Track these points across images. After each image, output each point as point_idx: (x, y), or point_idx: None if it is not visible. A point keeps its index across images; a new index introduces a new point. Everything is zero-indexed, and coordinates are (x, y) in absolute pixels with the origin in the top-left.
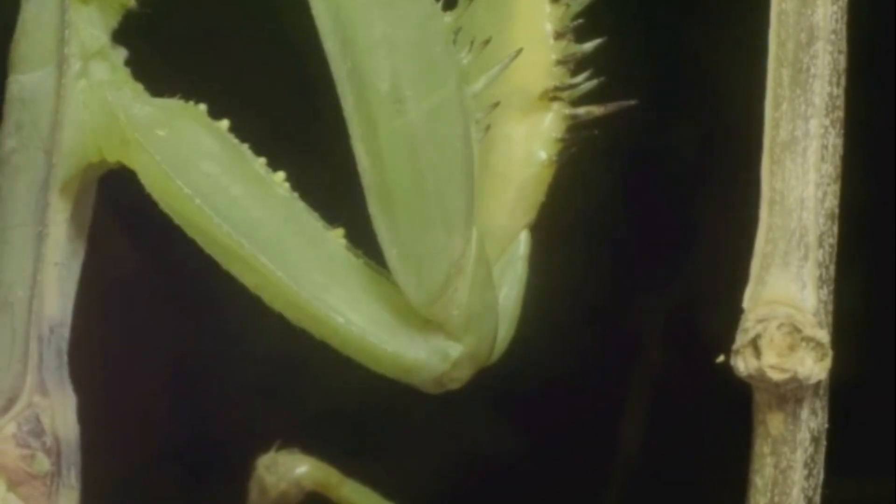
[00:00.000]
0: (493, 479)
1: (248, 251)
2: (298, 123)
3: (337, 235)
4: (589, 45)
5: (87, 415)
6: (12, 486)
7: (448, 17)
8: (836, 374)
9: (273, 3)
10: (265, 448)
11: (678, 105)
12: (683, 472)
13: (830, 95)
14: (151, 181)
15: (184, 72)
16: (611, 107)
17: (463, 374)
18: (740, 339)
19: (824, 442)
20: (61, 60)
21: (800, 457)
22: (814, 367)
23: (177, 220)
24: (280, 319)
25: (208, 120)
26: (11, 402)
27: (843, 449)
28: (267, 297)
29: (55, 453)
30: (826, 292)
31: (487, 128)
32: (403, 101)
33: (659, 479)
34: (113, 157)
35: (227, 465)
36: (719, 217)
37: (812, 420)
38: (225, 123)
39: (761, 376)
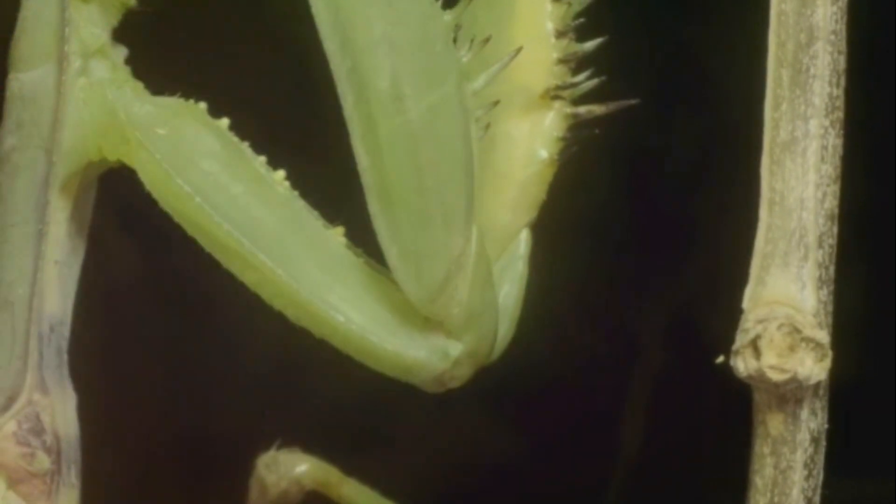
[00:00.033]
0: (493, 479)
1: (247, 249)
2: (298, 122)
3: (337, 234)
4: (590, 45)
5: (87, 413)
6: (12, 484)
7: (447, 16)
8: (835, 374)
9: (273, 1)
10: (266, 447)
11: (678, 105)
12: (683, 472)
13: (830, 96)
14: (151, 179)
15: (184, 70)
16: (612, 106)
17: (463, 373)
18: (740, 340)
19: (824, 442)
20: (61, 58)
21: (799, 457)
22: (813, 367)
23: (177, 219)
24: (280, 318)
25: (208, 118)
26: (11, 400)
27: (842, 449)
28: (267, 295)
29: (55, 451)
30: (826, 293)
31: (487, 126)
32: (403, 100)
33: (659, 479)
34: (113, 156)
35: (227, 463)
36: (719, 217)
37: (812, 420)
38: (225, 122)
39: (761, 377)
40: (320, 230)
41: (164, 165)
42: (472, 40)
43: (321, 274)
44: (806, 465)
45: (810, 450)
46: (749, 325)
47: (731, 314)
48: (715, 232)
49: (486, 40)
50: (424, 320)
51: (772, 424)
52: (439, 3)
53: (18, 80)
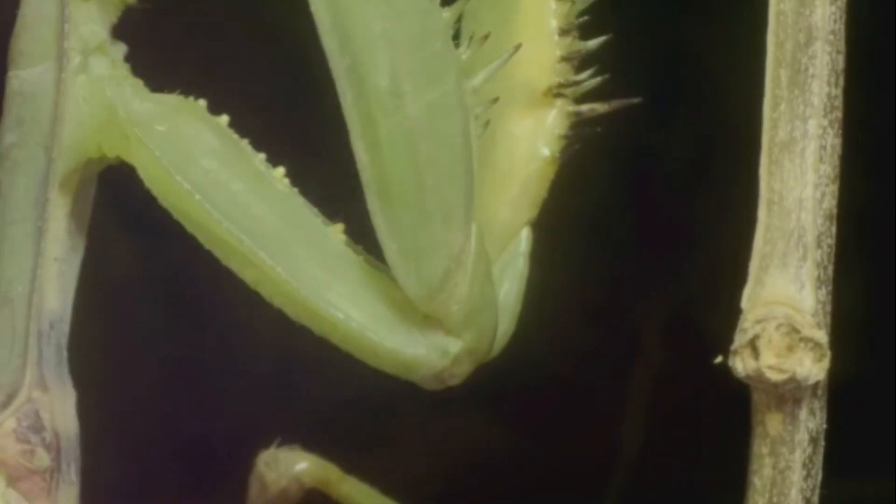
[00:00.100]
0: (492, 478)
1: (247, 247)
2: (298, 119)
3: (337, 231)
4: (593, 43)
5: (87, 410)
6: (12, 481)
7: (446, 13)
8: (834, 374)
9: None
10: (265, 444)
11: (677, 105)
12: (683, 472)
13: (829, 96)
14: (151, 177)
15: (183, 67)
16: (614, 104)
17: (462, 371)
18: (739, 340)
19: (823, 442)
20: (61, 55)
21: (798, 457)
22: (812, 367)
23: (176, 216)
24: (280, 315)
25: (208, 115)
26: (11, 397)
27: (841, 449)
28: (266, 292)
29: (55, 449)
30: (824, 293)
31: (487, 123)
32: (402, 97)
33: (658, 479)
34: (112, 153)
35: (227, 460)
36: (718, 217)
37: (810, 420)
38: (225, 119)
39: (760, 377)
40: (320, 227)
41: (163, 162)
42: (471, 37)
43: (321, 271)
44: (804, 466)
45: (809, 450)
46: (748, 325)
47: (730, 314)
48: (714, 232)
49: (485, 37)
50: (424, 317)
51: (770, 424)
52: (438, 0)
53: (18, 77)
